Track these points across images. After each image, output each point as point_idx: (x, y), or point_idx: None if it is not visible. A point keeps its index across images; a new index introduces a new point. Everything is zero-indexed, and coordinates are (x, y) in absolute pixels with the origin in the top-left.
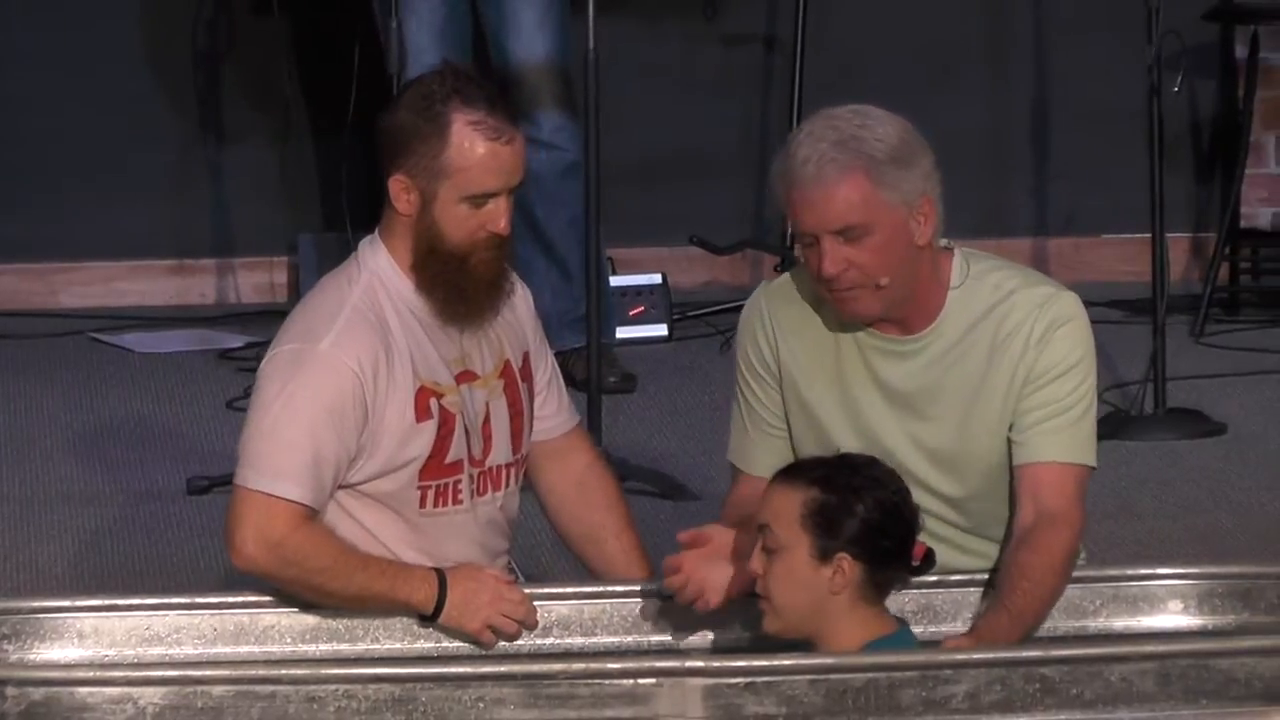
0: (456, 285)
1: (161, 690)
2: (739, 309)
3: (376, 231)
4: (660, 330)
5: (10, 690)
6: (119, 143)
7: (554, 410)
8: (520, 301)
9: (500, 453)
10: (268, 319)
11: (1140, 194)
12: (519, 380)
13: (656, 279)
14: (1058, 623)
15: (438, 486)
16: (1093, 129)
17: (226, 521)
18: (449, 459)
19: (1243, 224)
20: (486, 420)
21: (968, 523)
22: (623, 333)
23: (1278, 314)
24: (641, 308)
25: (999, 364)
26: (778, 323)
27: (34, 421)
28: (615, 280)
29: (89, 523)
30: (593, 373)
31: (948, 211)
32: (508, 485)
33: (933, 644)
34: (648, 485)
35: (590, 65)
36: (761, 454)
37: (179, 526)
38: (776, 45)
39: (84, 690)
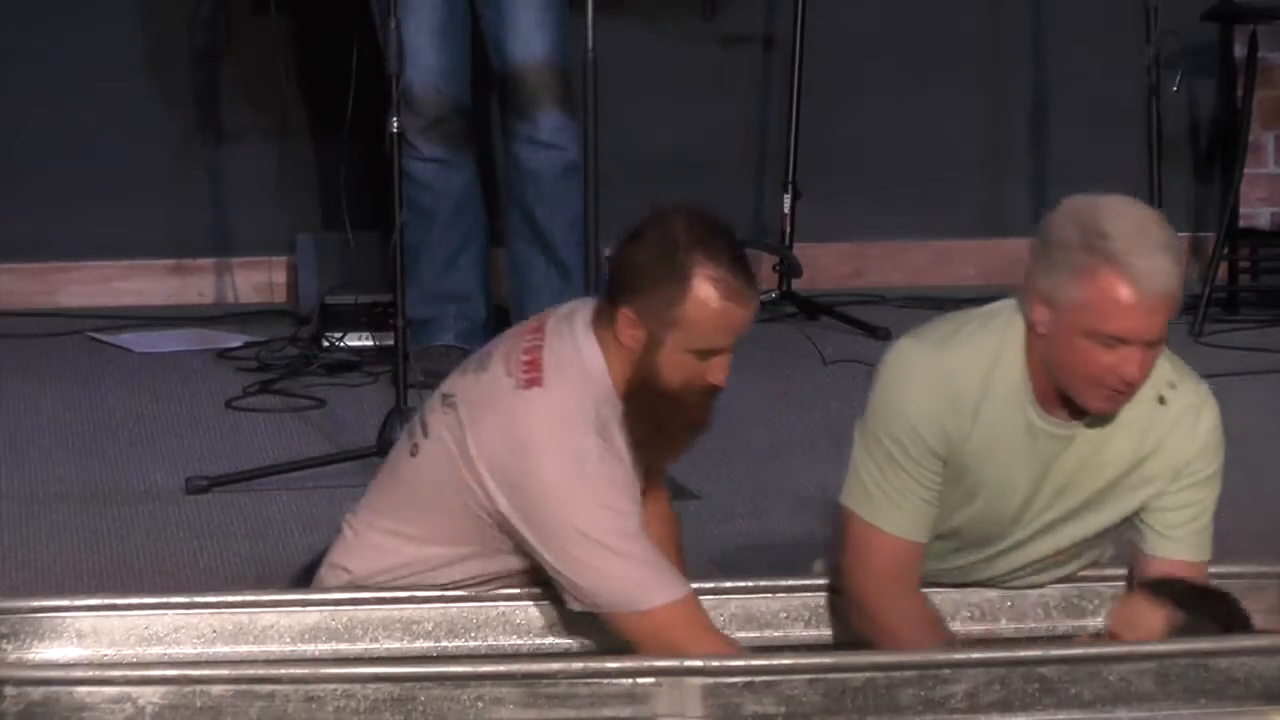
0: (663, 425)
1: (160, 690)
2: None
3: (591, 330)
4: None
5: (9, 690)
6: (117, 142)
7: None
8: None
9: None
10: (266, 319)
11: (1139, 193)
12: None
13: None
14: (1057, 622)
15: None
16: (1091, 128)
17: (666, 648)
18: None
19: (1242, 224)
20: None
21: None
22: None
23: (1277, 313)
24: None
25: (1133, 458)
26: (964, 406)
27: (32, 421)
28: None
29: (88, 522)
30: None
31: (946, 211)
32: None
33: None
34: None
35: (589, 65)
36: (915, 521)
37: (178, 526)
38: (775, 45)
39: (83, 690)
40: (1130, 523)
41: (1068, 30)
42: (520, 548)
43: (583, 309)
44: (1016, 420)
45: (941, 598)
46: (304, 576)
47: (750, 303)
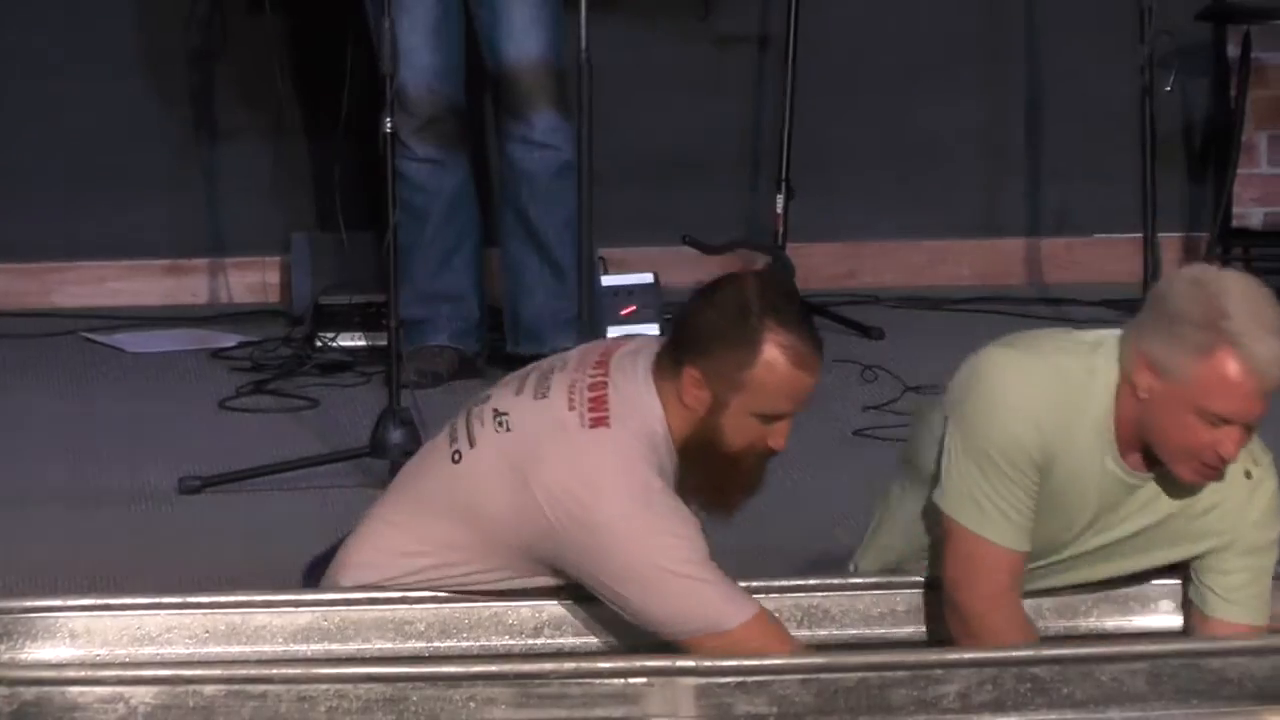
0: (718, 484)
1: (153, 690)
2: None
3: (649, 388)
4: (652, 330)
5: (2, 690)
6: (112, 142)
7: None
8: None
9: None
10: (260, 319)
11: (1133, 194)
12: None
13: (648, 278)
14: (1049, 623)
15: None
16: (1085, 129)
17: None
18: None
19: (1235, 223)
20: None
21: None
22: (614, 332)
23: None
24: (633, 307)
25: (1185, 518)
26: (1059, 425)
27: (26, 420)
28: (607, 280)
29: (81, 522)
30: None
31: (942, 211)
32: None
33: (926, 643)
34: None
35: (583, 65)
36: (1022, 532)
37: (170, 526)
38: (770, 45)
39: (75, 690)
40: (1187, 581)
41: (1062, 30)
42: (559, 574)
43: (646, 351)
44: (1095, 457)
45: (935, 597)
46: (309, 574)
47: (817, 370)
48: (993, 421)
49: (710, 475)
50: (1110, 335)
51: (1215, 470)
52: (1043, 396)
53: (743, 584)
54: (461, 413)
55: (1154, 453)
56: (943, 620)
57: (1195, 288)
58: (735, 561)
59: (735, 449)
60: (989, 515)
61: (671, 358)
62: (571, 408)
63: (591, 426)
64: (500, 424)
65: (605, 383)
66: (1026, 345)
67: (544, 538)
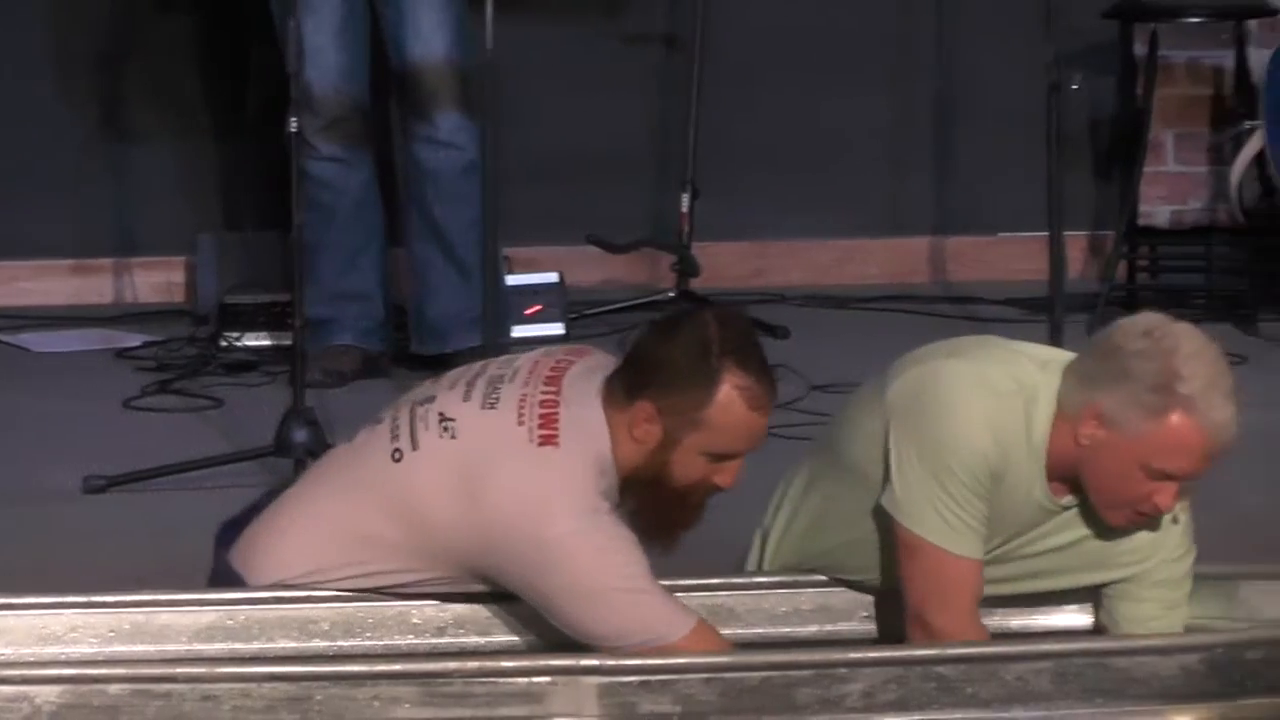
0: (662, 519)
1: (58, 689)
2: (636, 308)
3: (599, 414)
4: (557, 329)
5: None
6: (19, 142)
7: None
8: None
9: None
10: (165, 318)
11: (1038, 192)
12: None
13: (553, 278)
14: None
15: None
16: (991, 127)
17: None
18: None
19: (1141, 222)
20: None
21: None
22: (519, 332)
23: (1176, 312)
24: (538, 306)
25: (1116, 547)
26: (1003, 443)
27: None
28: (512, 279)
29: None
30: None
31: (848, 210)
32: None
33: (830, 642)
34: None
35: (488, 65)
36: (984, 542)
37: (75, 526)
38: (676, 44)
39: None
40: (1099, 607)
41: (968, 28)
42: (492, 584)
43: (598, 373)
44: (1026, 481)
45: (839, 598)
46: (222, 536)
47: (769, 412)
48: (954, 434)
49: (654, 508)
50: (1057, 358)
51: (1147, 519)
52: (998, 411)
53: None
54: (403, 409)
55: (1082, 488)
56: (874, 619)
57: (1149, 343)
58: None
59: (682, 485)
60: (955, 529)
61: (624, 388)
62: (521, 423)
63: (540, 444)
64: (446, 429)
65: (557, 401)
66: (978, 357)
67: (488, 552)
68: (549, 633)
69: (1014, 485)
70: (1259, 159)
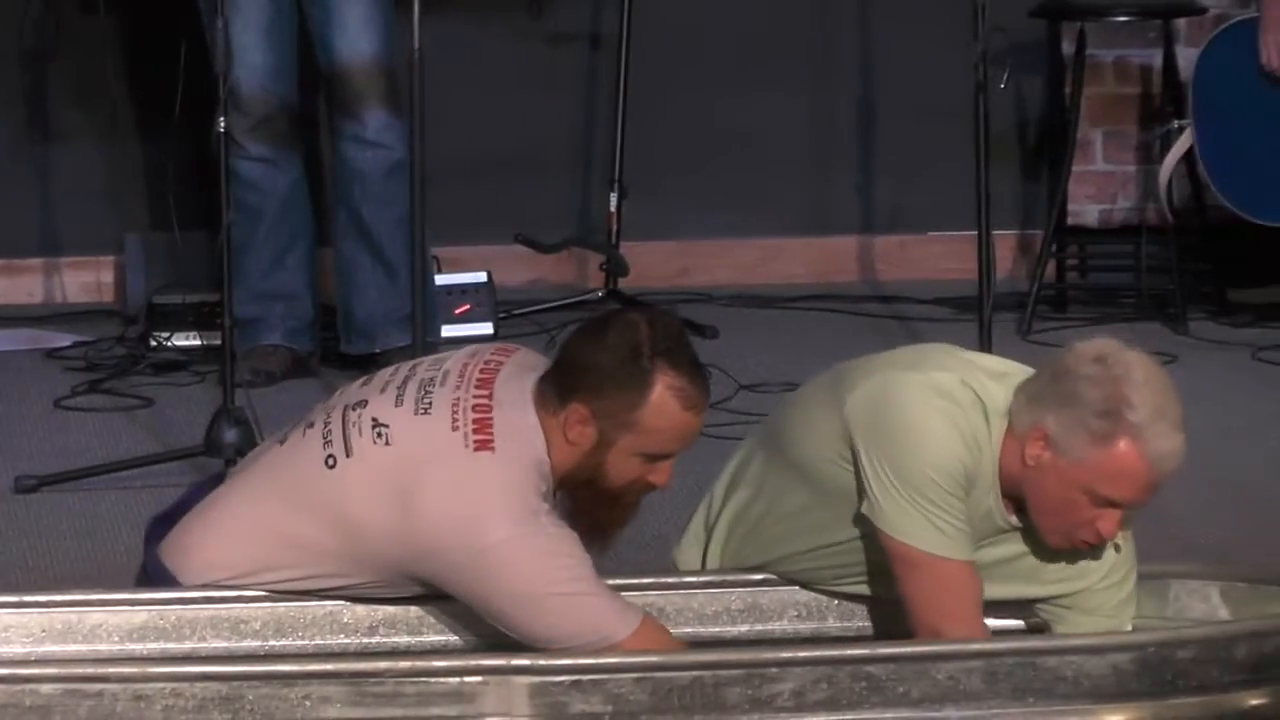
0: (599, 519)
1: None
2: (564, 307)
3: (532, 417)
4: (486, 329)
5: None
6: None
7: None
8: None
9: None
10: (95, 318)
11: (966, 191)
12: None
13: (482, 277)
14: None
15: None
16: (918, 125)
17: None
18: None
19: (1070, 221)
20: None
21: None
22: (448, 331)
23: (1105, 311)
24: (467, 306)
25: (1055, 565)
26: (972, 450)
27: None
28: (441, 279)
29: None
30: None
31: (773, 210)
32: None
33: (761, 642)
34: None
35: (416, 64)
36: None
37: (6, 525)
38: (601, 43)
39: None
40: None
41: (894, 27)
42: (429, 588)
43: (529, 375)
44: (986, 494)
45: (769, 597)
46: (151, 531)
47: (703, 412)
48: (928, 448)
49: (590, 509)
50: (1011, 372)
51: (1088, 546)
52: (963, 418)
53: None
54: (335, 411)
55: (1032, 519)
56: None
57: (1100, 369)
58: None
59: (617, 486)
60: (949, 535)
61: (556, 391)
62: (455, 428)
63: (476, 450)
64: (379, 435)
65: (490, 405)
66: (933, 367)
67: (426, 559)
68: (481, 632)
69: (980, 494)
70: (1188, 157)
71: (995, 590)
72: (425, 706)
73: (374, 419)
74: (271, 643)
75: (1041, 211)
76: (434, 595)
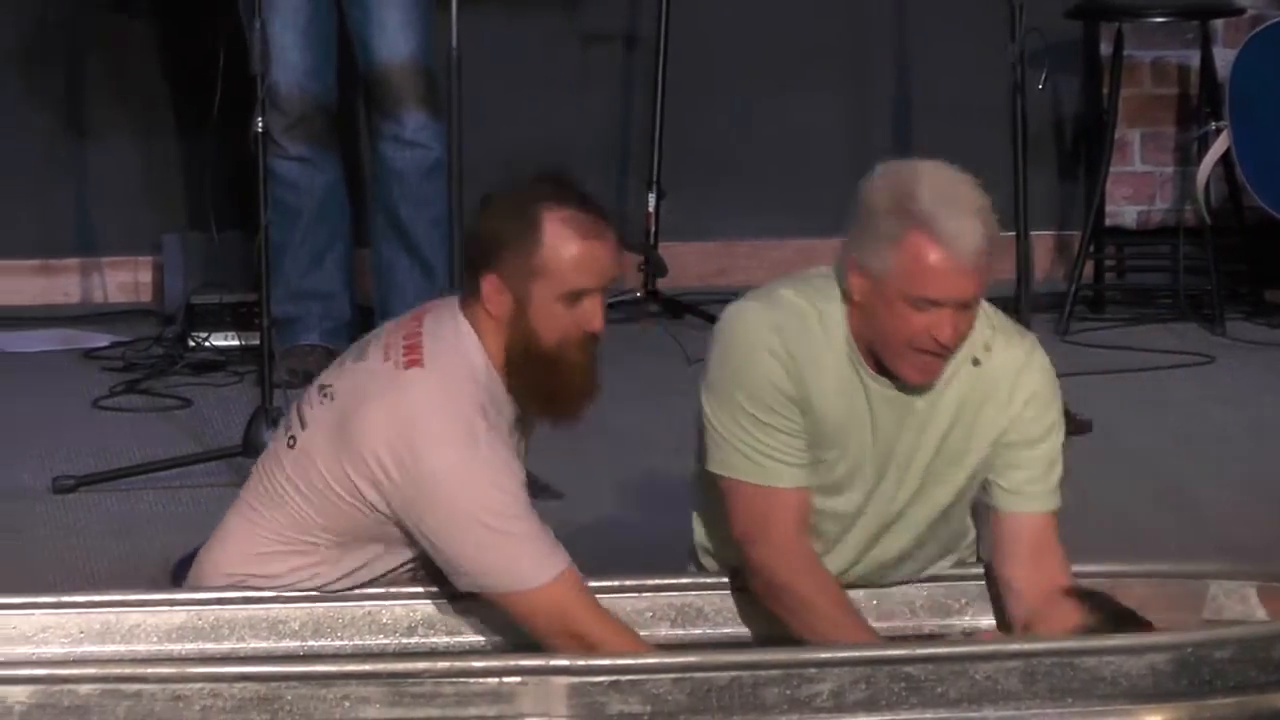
0: (548, 390)
1: (28, 689)
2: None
3: (460, 314)
4: None
5: None
6: None
7: None
8: None
9: None
10: (132, 318)
11: (1004, 191)
12: None
13: None
14: (923, 621)
15: None
16: (956, 126)
17: (542, 634)
18: None
19: (1108, 222)
20: None
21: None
22: None
23: (1142, 311)
24: None
25: (968, 418)
26: (801, 354)
27: None
28: None
29: None
30: None
31: (810, 210)
32: None
33: (798, 642)
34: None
35: (454, 64)
36: (802, 472)
37: (44, 525)
38: (637, 43)
39: None
40: (982, 490)
41: (932, 27)
42: (410, 535)
43: (457, 300)
44: (851, 380)
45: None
46: (175, 578)
47: (608, 239)
48: (736, 367)
49: (540, 382)
50: (825, 268)
51: (937, 359)
52: (780, 332)
53: (614, 582)
54: (293, 405)
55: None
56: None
57: (886, 178)
58: (602, 560)
59: (552, 343)
60: (757, 462)
61: (470, 281)
62: (387, 359)
63: (406, 368)
64: (325, 396)
65: (419, 332)
66: (759, 293)
67: (374, 489)
68: (519, 633)
69: (836, 390)
70: (1225, 159)
71: (967, 468)
72: (464, 707)
73: (320, 385)
74: (310, 643)
75: (1078, 212)
76: (473, 595)
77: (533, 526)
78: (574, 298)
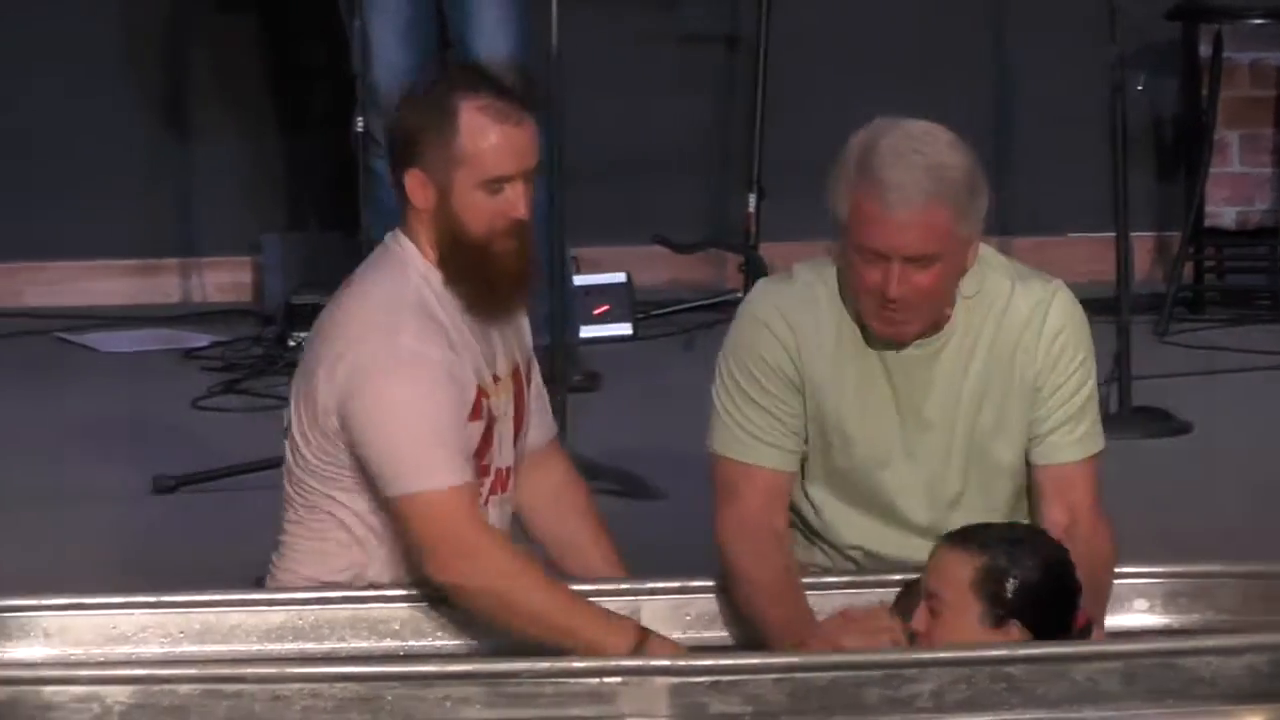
0: (482, 278)
1: (128, 689)
2: (702, 308)
3: (399, 231)
4: (625, 329)
5: None
6: (85, 141)
7: (540, 417)
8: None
9: (505, 455)
10: (231, 318)
11: (1104, 193)
12: (524, 384)
13: (621, 278)
14: None
15: None
16: (1056, 127)
17: (413, 536)
18: (484, 461)
19: (1207, 223)
20: (496, 421)
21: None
22: (587, 331)
23: (1241, 312)
24: (606, 306)
25: (1005, 366)
26: (797, 331)
27: None
28: (579, 279)
29: (55, 521)
30: (557, 372)
31: None
32: (506, 489)
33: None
34: (613, 484)
35: (554, 64)
36: (784, 455)
37: (144, 526)
38: (739, 44)
39: (50, 689)
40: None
41: (1031, 30)
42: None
43: None
44: (860, 344)
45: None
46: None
47: (523, 123)
48: (735, 342)
49: (472, 272)
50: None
51: (890, 312)
52: (782, 307)
53: (697, 582)
54: None
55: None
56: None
57: (865, 131)
58: (703, 563)
59: (479, 232)
60: (738, 436)
61: (397, 184)
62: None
63: (345, 288)
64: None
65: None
66: (781, 272)
67: (326, 404)
68: None
69: (840, 354)
70: None
71: (1014, 410)
72: (564, 707)
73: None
74: (410, 643)
75: (1178, 213)
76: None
77: (439, 438)
78: (495, 185)
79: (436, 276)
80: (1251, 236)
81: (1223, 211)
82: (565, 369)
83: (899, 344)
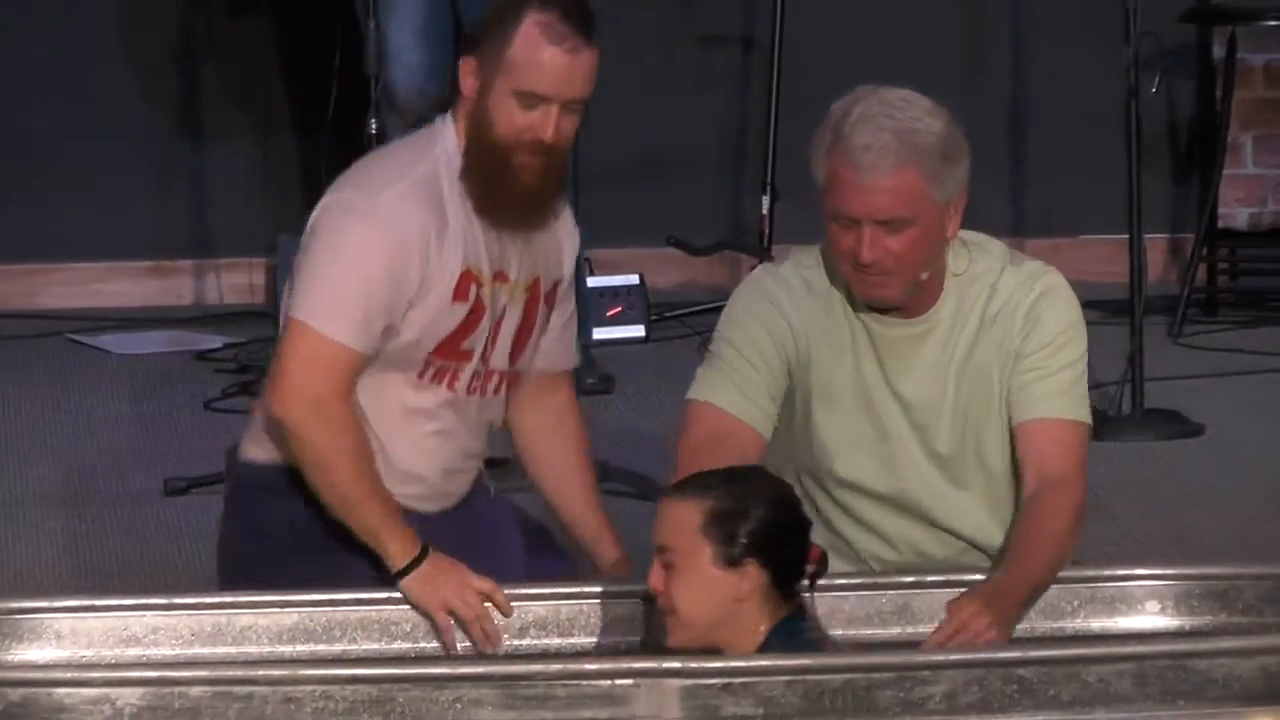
0: (496, 180)
1: (139, 691)
2: (717, 310)
3: (450, 111)
4: (638, 331)
5: None
6: (97, 143)
7: (558, 347)
8: (568, 239)
9: (499, 358)
10: (246, 320)
11: (1118, 194)
12: (541, 302)
13: (634, 280)
14: (1034, 623)
15: (441, 366)
16: (1070, 129)
17: (278, 356)
18: (465, 345)
19: (1220, 224)
20: (499, 322)
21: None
22: (600, 333)
23: (1255, 314)
24: (619, 308)
25: (988, 343)
26: (798, 309)
27: (11, 422)
28: (593, 281)
29: (66, 523)
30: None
31: None
32: (495, 393)
33: (912, 644)
34: (626, 486)
35: None
36: (750, 407)
37: (156, 527)
38: (754, 45)
39: (61, 691)
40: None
41: (1046, 31)
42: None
43: None
44: (851, 319)
45: (919, 600)
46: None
47: (576, 53)
48: (725, 319)
49: (485, 170)
50: None
51: (864, 274)
52: (767, 287)
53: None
54: None
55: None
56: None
57: (844, 99)
58: None
59: (501, 135)
60: (705, 379)
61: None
62: None
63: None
64: None
65: None
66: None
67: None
68: (632, 634)
69: (827, 324)
70: None
71: (992, 404)
72: (576, 709)
73: None
74: (422, 645)
75: (1191, 215)
76: (584, 596)
77: (369, 293)
78: (529, 99)
79: (458, 162)
80: (1265, 238)
81: (1236, 213)
82: (579, 371)
83: (885, 307)
